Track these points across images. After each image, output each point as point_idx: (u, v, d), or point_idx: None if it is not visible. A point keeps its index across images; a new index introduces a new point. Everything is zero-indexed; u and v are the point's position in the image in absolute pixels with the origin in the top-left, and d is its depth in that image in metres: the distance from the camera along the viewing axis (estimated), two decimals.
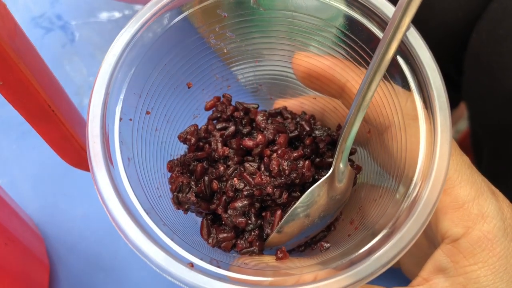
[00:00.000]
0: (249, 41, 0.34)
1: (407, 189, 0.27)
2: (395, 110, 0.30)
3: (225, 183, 0.32)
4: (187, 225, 0.32)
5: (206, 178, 0.32)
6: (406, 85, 0.29)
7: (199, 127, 0.34)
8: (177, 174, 0.32)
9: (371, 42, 0.30)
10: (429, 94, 0.27)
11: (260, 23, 0.33)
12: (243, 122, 0.35)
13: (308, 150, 0.34)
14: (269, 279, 0.25)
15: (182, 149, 0.36)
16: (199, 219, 0.33)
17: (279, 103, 0.38)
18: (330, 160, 0.33)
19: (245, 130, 0.34)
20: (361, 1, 0.29)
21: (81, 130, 0.39)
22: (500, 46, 0.40)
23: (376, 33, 0.29)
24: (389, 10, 0.29)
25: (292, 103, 0.38)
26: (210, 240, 0.32)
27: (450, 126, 0.27)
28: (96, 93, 0.27)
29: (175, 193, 0.32)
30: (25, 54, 0.32)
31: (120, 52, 0.28)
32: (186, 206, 0.32)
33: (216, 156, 0.33)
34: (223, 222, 0.32)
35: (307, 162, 0.32)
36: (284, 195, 0.31)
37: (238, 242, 0.32)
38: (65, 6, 0.68)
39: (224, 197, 0.32)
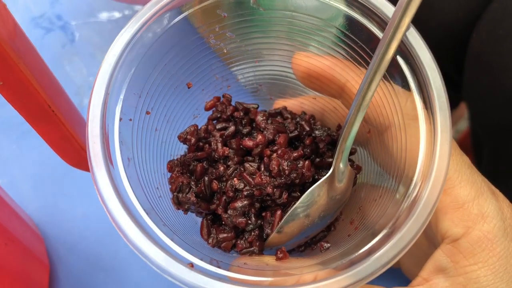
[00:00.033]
0: (249, 41, 0.34)
1: (407, 189, 0.27)
2: (395, 110, 0.30)
3: (225, 183, 0.32)
4: (187, 225, 0.32)
5: (206, 178, 0.32)
6: (406, 85, 0.29)
7: (199, 127, 0.34)
8: (177, 174, 0.32)
9: (371, 42, 0.30)
10: (429, 94, 0.27)
11: (260, 23, 0.33)
12: (243, 122, 0.35)
13: (308, 150, 0.34)
14: (269, 279, 0.25)
15: (182, 149, 0.36)
16: (199, 219, 0.33)
17: (279, 103, 0.38)
18: (330, 160, 0.33)
19: (245, 130, 0.34)
20: (361, 1, 0.29)
21: (81, 130, 0.39)
22: (500, 46, 0.40)
23: (376, 33, 0.29)
24: (389, 10, 0.29)
25: (292, 103, 0.38)
26: (210, 240, 0.32)
27: (450, 126, 0.27)
28: (96, 93, 0.27)
29: (175, 193, 0.32)
30: (25, 54, 0.32)
31: (120, 52, 0.28)
32: (186, 206, 0.32)
33: (216, 156, 0.33)
34: (223, 222, 0.32)
35: (307, 162, 0.32)
36: (284, 195, 0.31)
37: (238, 242, 0.32)
38: (65, 6, 0.68)
39: (224, 197, 0.32)
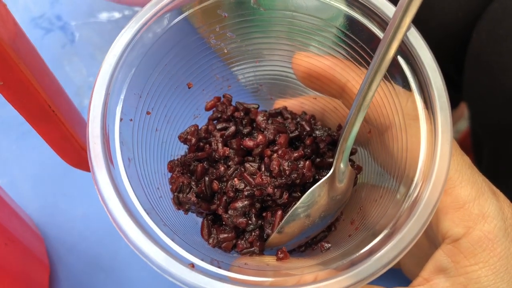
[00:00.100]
0: (250, 41, 0.34)
1: (408, 189, 0.27)
2: (395, 110, 0.30)
3: (225, 184, 0.32)
4: (188, 226, 0.32)
5: (207, 179, 0.32)
6: (406, 85, 0.29)
7: (199, 128, 0.34)
8: (178, 175, 0.32)
9: (372, 42, 0.30)
10: (430, 94, 0.27)
11: (260, 23, 0.33)
12: (244, 122, 0.35)
13: (309, 150, 0.34)
14: (270, 279, 0.25)
15: (182, 149, 0.35)
16: (200, 220, 0.33)
17: (279, 103, 0.38)
18: (331, 160, 0.33)
19: (246, 130, 0.34)
20: (362, 1, 0.29)
21: (81, 130, 0.39)
22: (500, 46, 0.40)
23: (377, 33, 0.29)
24: (389, 10, 0.29)
25: (292, 103, 0.38)
26: (211, 241, 0.32)
27: (451, 126, 0.27)
28: (97, 93, 0.27)
29: (175, 194, 0.32)
30: (25, 55, 0.32)
31: (120, 53, 0.28)
32: (186, 207, 0.32)
33: (216, 156, 0.32)
34: (224, 223, 0.32)
35: (307, 162, 0.32)
36: (285, 196, 0.31)
37: (239, 242, 0.32)
38: (65, 7, 0.68)
39: (225, 198, 0.32)
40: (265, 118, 0.34)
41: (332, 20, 0.31)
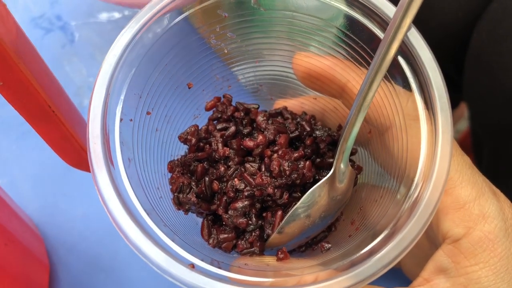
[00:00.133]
0: (250, 41, 0.34)
1: (408, 190, 0.27)
2: (396, 111, 0.30)
3: (225, 184, 0.32)
4: (188, 226, 0.32)
5: (207, 179, 0.32)
6: (407, 86, 0.29)
7: (199, 128, 0.34)
8: (178, 175, 0.32)
9: (372, 42, 0.30)
10: (430, 95, 0.27)
11: (260, 23, 0.33)
12: (244, 123, 0.35)
13: (309, 151, 0.34)
14: (270, 280, 0.25)
15: (182, 149, 0.35)
16: (200, 220, 0.33)
17: (279, 103, 0.38)
18: (331, 160, 0.33)
19: (246, 131, 0.34)
20: (362, 1, 0.29)
21: (81, 131, 0.39)
22: (500, 46, 0.40)
23: (377, 33, 0.29)
24: (390, 10, 0.29)
25: (293, 103, 0.38)
26: (211, 241, 0.32)
27: (451, 126, 0.27)
28: (97, 93, 0.27)
29: (175, 194, 0.32)
30: (25, 55, 0.32)
31: (120, 53, 0.28)
32: (186, 207, 0.32)
33: (216, 156, 0.32)
34: (224, 223, 0.32)
35: (307, 162, 0.32)
36: (285, 196, 0.31)
37: (239, 242, 0.32)
38: (65, 7, 0.68)
39: (225, 198, 0.32)
40: (265, 118, 0.34)
41: (332, 20, 0.31)
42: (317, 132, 0.35)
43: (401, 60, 0.29)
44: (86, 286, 0.51)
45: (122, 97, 0.28)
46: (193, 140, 0.33)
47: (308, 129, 0.34)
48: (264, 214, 0.32)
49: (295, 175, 0.31)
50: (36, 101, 0.34)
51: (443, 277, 0.28)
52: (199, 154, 0.33)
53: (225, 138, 0.33)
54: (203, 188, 0.32)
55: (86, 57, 0.64)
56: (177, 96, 0.34)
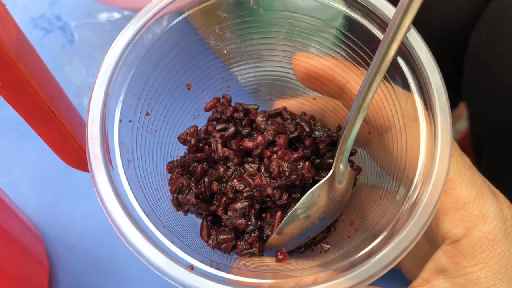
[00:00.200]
0: (249, 42, 0.34)
1: (408, 190, 0.27)
2: (395, 111, 0.29)
3: (225, 184, 0.32)
4: (187, 227, 0.32)
5: (206, 179, 0.32)
6: (406, 86, 0.28)
7: (199, 128, 0.34)
8: (177, 176, 0.32)
9: (371, 43, 0.30)
10: (430, 95, 0.27)
11: (260, 24, 0.33)
12: (243, 123, 0.35)
13: (308, 151, 0.34)
14: (269, 281, 0.25)
15: (182, 150, 0.35)
16: (199, 221, 0.33)
17: (279, 104, 0.38)
18: (330, 161, 0.33)
19: (245, 131, 0.34)
20: (361, 2, 0.29)
21: (81, 131, 0.39)
22: (500, 46, 0.40)
23: (376, 34, 0.29)
24: (389, 11, 0.29)
25: (292, 104, 0.38)
26: (210, 242, 0.32)
27: (451, 127, 0.27)
28: (96, 94, 0.27)
29: (175, 195, 0.32)
30: (25, 55, 0.32)
31: (120, 53, 0.28)
32: (186, 208, 0.32)
33: (216, 157, 0.32)
34: (223, 224, 0.32)
35: (307, 163, 0.32)
36: (284, 197, 0.31)
37: (238, 243, 0.31)
38: (65, 7, 0.68)
39: (224, 199, 0.32)
40: (264, 119, 0.34)
41: (331, 21, 0.31)
42: (317, 133, 0.35)
43: (400, 60, 0.28)
44: (86, 287, 0.51)
45: (121, 98, 0.28)
46: (193, 141, 0.33)
47: (308, 129, 0.34)
48: (263, 215, 0.32)
49: (295, 176, 0.31)
50: (36, 101, 0.34)
51: (443, 278, 0.28)
52: (199, 154, 0.33)
53: (225, 139, 0.33)
54: (203, 189, 0.32)
55: (86, 57, 0.64)
56: (177, 97, 0.34)
